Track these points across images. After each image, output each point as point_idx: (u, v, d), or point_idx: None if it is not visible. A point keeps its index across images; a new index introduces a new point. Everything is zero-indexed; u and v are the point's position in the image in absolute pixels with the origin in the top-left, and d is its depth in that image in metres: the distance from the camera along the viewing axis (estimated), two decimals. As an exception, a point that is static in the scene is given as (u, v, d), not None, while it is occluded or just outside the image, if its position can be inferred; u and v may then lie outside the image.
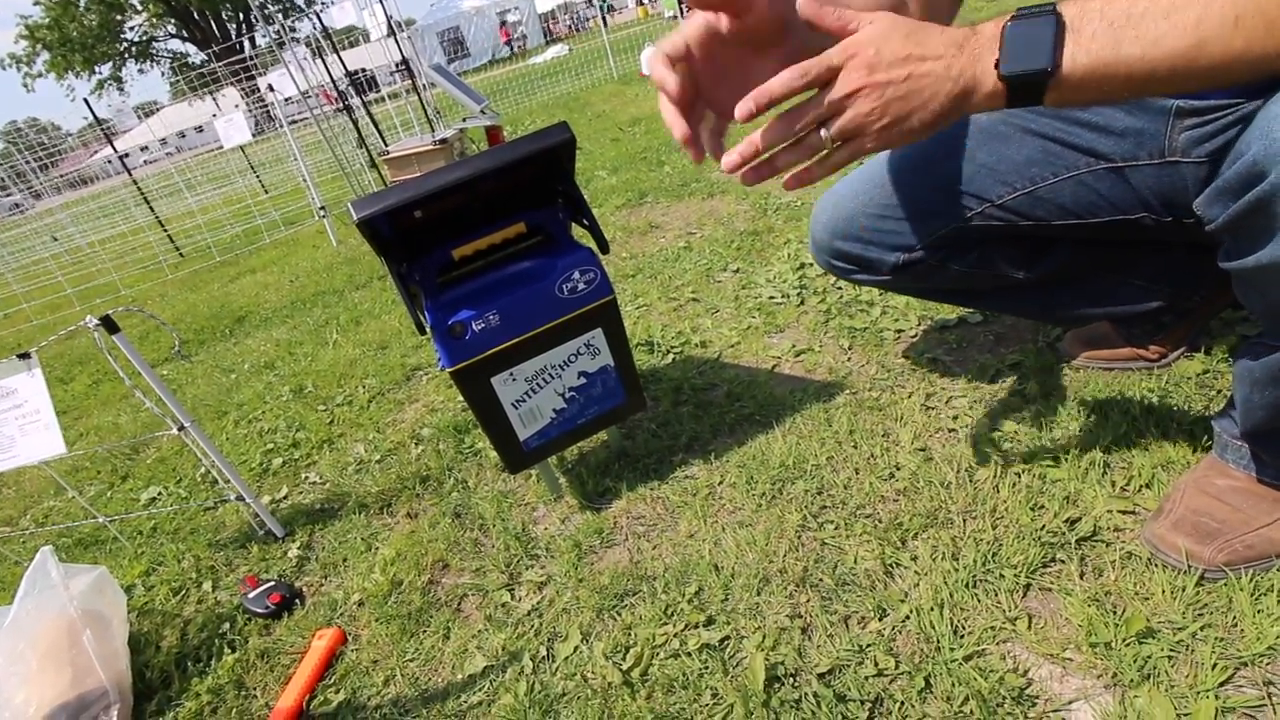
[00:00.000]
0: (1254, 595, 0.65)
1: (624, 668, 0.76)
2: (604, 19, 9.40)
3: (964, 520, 0.83)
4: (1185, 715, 0.58)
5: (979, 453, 0.93)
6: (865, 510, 0.89)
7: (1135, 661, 0.62)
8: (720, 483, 1.01)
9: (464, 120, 4.37)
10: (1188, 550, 0.69)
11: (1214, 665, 0.60)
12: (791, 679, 0.70)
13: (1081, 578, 0.72)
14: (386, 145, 4.26)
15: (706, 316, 1.54)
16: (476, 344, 0.87)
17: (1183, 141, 0.74)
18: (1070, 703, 0.62)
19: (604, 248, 0.92)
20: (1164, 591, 0.68)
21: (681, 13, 6.76)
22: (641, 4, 20.46)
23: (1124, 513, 0.78)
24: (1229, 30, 0.45)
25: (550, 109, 6.30)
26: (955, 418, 1.01)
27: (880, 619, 0.74)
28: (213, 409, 1.91)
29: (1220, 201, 0.52)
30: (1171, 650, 0.63)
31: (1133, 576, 0.71)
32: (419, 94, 4.44)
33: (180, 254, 4.87)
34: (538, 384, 0.93)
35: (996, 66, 0.49)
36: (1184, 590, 0.67)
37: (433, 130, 4.35)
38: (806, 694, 0.68)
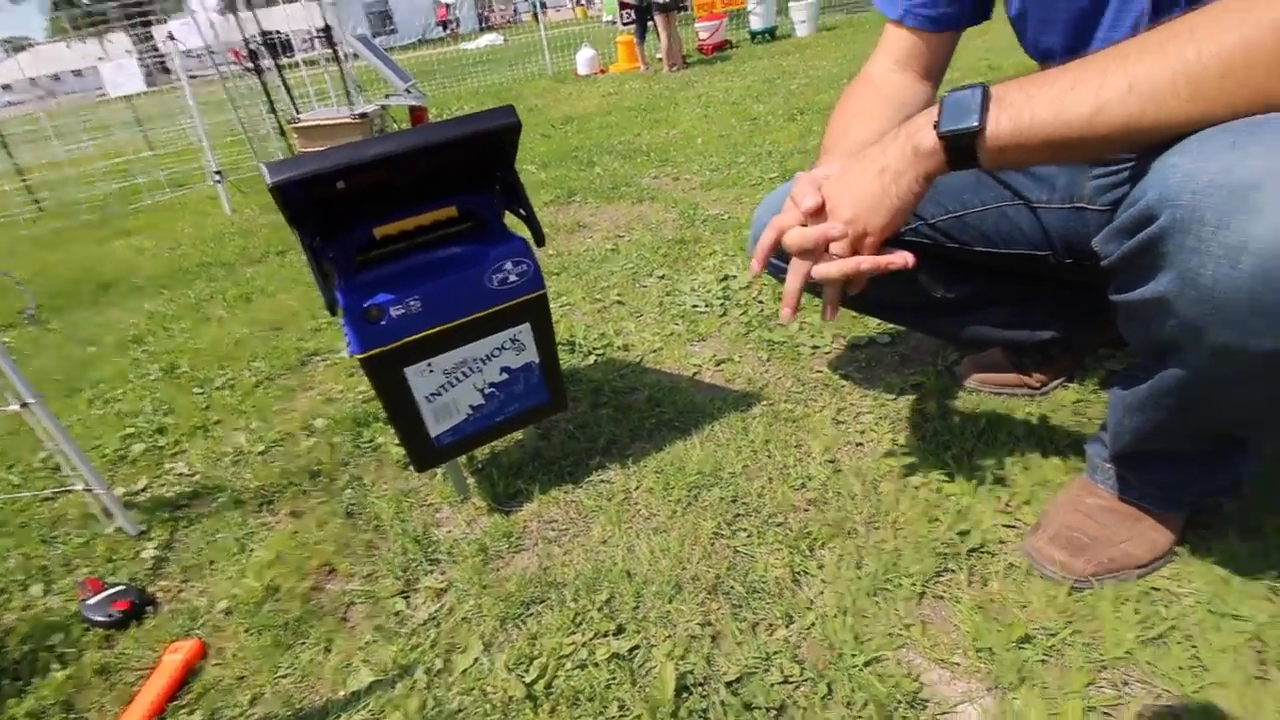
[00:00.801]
0: (1115, 604, 0.71)
1: (527, 680, 0.73)
2: (537, 14, 9.28)
3: (868, 531, 0.87)
4: (1055, 715, 0.63)
5: (883, 466, 0.97)
6: (777, 519, 0.91)
7: (1014, 665, 0.67)
8: (637, 488, 1.01)
9: (386, 97, 4.17)
10: (1061, 562, 0.76)
11: (1081, 668, 0.66)
12: (700, 688, 0.70)
13: (970, 586, 0.77)
14: (298, 113, 3.98)
15: (630, 320, 1.54)
16: (393, 330, 0.82)
17: (1090, 190, 0.83)
18: (957, 705, 0.66)
19: (540, 240, 0.90)
20: (1040, 600, 0.74)
21: (621, 18, 6.79)
22: (580, 4, 20.40)
23: (1007, 526, 0.84)
24: (1123, 97, 0.51)
25: (480, 97, 6.13)
26: (863, 432, 1.06)
27: (787, 626, 0.76)
28: (63, 385, 1.69)
29: (1116, 240, 0.57)
30: (1045, 655, 0.68)
31: (1014, 586, 0.76)
32: (339, 63, 4.19)
33: (40, 207, 4.32)
34: (457, 377, 0.89)
35: (936, 127, 0.58)
36: (1057, 599, 0.73)
37: (350, 103, 4.12)
38: (714, 703, 0.68)
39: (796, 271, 0.72)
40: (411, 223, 0.87)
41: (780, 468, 1.00)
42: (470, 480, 1.07)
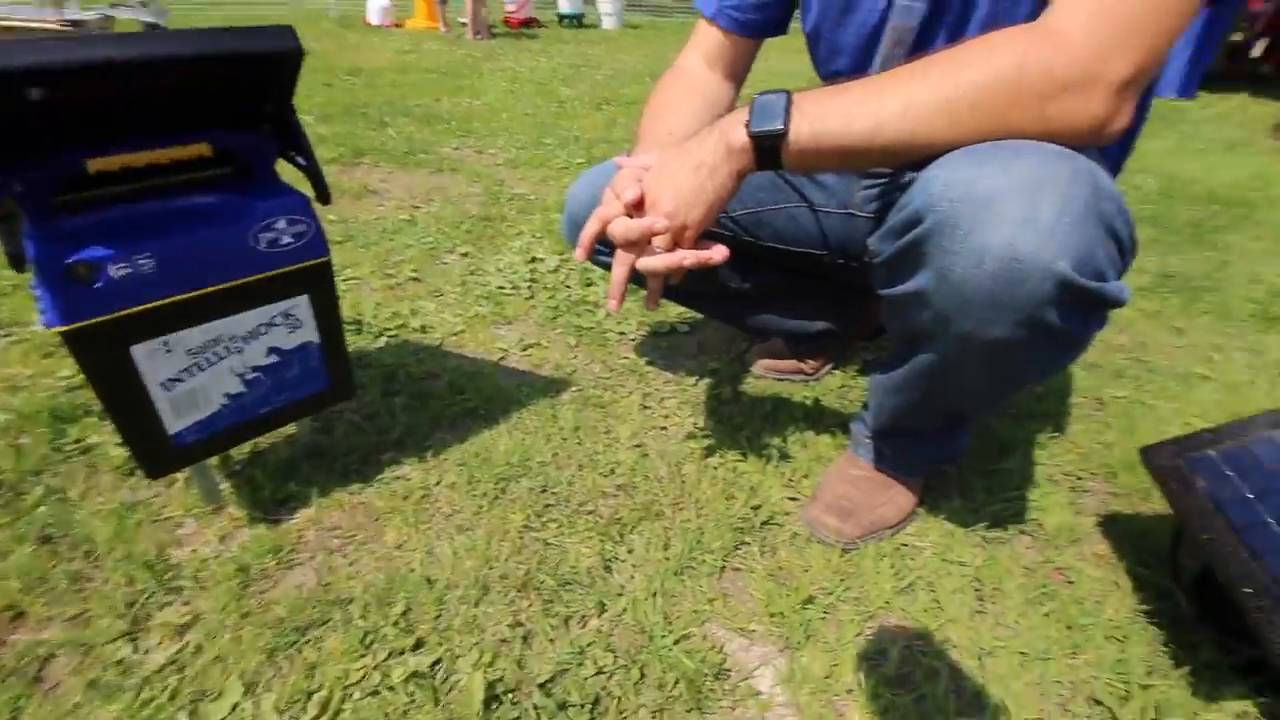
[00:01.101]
0: (876, 560, 0.82)
1: None
2: None
3: (674, 512, 0.89)
4: (836, 666, 0.70)
5: (685, 449, 1.01)
6: (588, 507, 0.90)
7: (801, 625, 0.74)
8: (437, 484, 0.92)
9: (111, 6, 3.33)
10: (834, 528, 0.85)
11: (852, 621, 0.75)
12: (511, 695, 0.66)
13: (762, 557, 0.84)
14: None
15: (429, 299, 1.41)
16: (112, 296, 0.63)
17: (859, 199, 0.93)
18: (755, 669, 0.70)
19: (324, 197, 0.76)
20: (820, 563, 0.82)
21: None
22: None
23: (791, 499, 0.93)
24: (899, 118, 0.58)
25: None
26: (667, 417, 1.09)
27: (600, 615, 0.75)
28: None
29: (888, 239, 0.64)
30: (824, 612, 0.76)
31: (798, 553, 0.84)
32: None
33: None
34: (207, 359, 0.72)
35: (747, 126, 0.62)
36: (832, 561, 0.83)
37: (60, 4, 3.22)
38: (527, 708, 0.64)
39: (622, 263, 0.70)
40: (144, 157, 0.68)
41: (589, 454, 0.99)
42: (224, 486, 0.89)
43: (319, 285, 0.78)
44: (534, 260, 1.61)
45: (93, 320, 0.63)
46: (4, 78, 0.52)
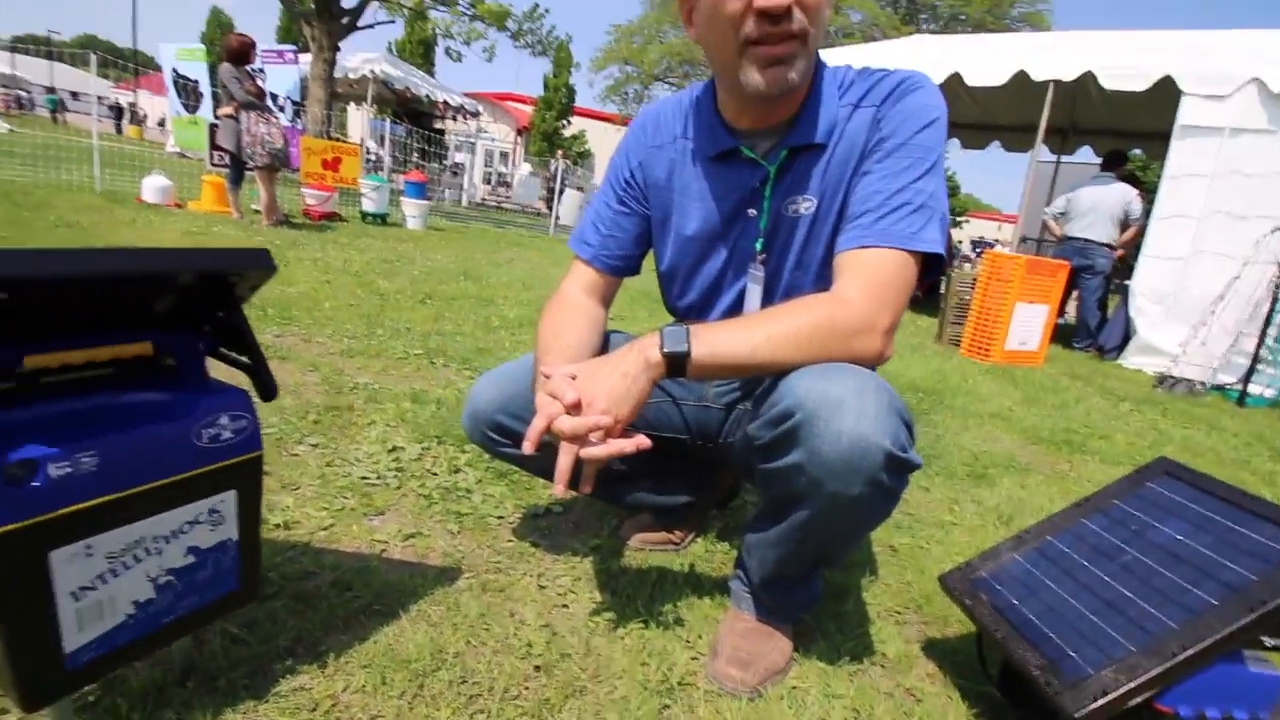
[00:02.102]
0: (777, 703, 0.94)
1: None
2: (55, 115, 7.63)
3: (595, 685, 0.93)
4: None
5: (591, 624, 1.07)
6: (512, 693, 0.90)
7: (736, 775, 0.81)
8: (345, 689, 0.85)
9: None
10: (738, 678, 0.97)
11: (776, 762, 0.84)
12: None
13: (686, 715, 0.91)
14: None
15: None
16: (44, 497, 0.58)
17: (712, 394, 1.19)
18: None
19: (270, 394, 0.78)
20: (733, 714, 0.92)
21: (213, 159, 6.16)
22: (136, 124, 17.51)
23: (693, 658, 1.03)
24: (765, 344, 0.85)
25: (-31, 193, 4.52)
26: (564, 594, 1.15)
27: (554, 801, 0.74)
28: None
29: (765, 428, 0.87)
30: (751, 759, 0.84)
31: (714, 707, 0.93)
32: None
33: None
34: (124, 563, 0.66)
35: (660, 349, 0.85)
36: (742, 709, 0.93)
37: None
38: None
39: (568, 453, 0.84)
40: (84, 355, 0.66)
41: (501, 639, 1.00)
42: (66, 728, 0.72)
43: (249, 480, 0.77)
44: (395, 449, 1.60)
45: (21, 523, 0.57)
46: None
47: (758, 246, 1.04)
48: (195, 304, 0.73)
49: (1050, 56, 5.28)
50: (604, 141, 24.14)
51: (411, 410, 1.85)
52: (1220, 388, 4.12)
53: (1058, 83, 5.19)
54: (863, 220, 0.92)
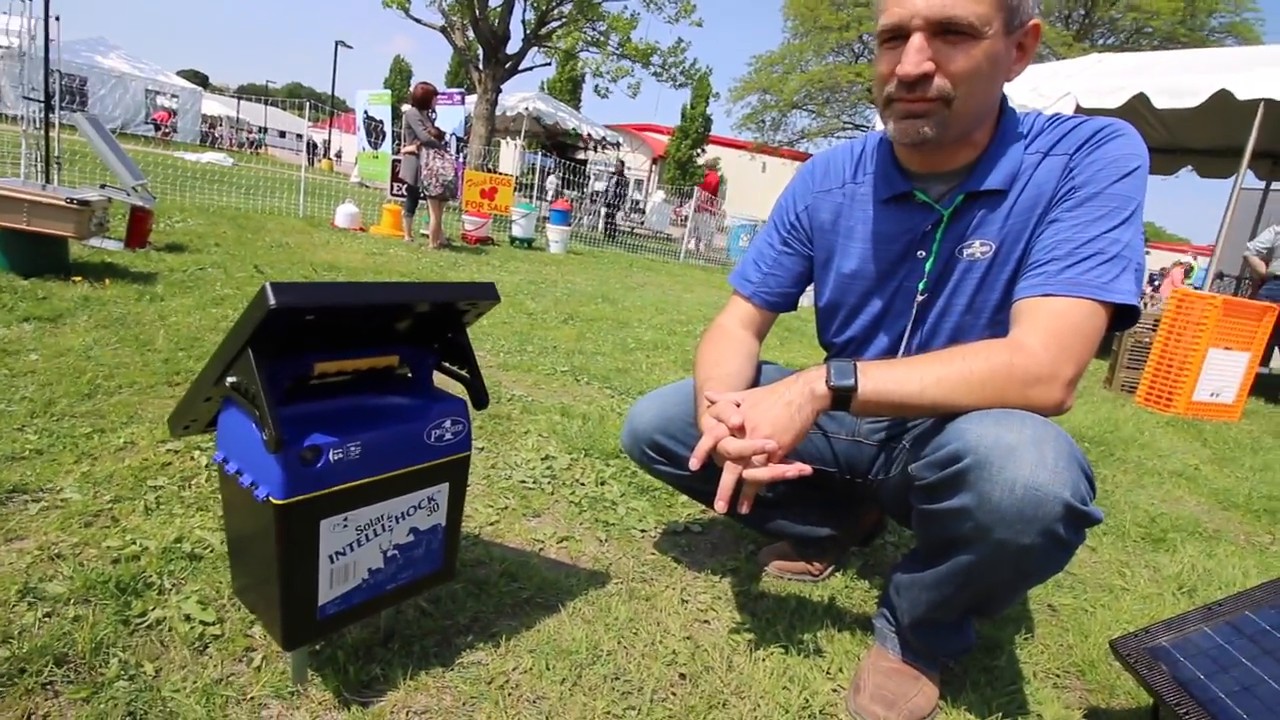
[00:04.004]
0: (924, 750, 0.93)
1: None
2: (256, 150, 8.98)
3: (738, 701, 0.97)
4: None
5: (732, 641, 1.11)
6: (660, 695, 0.96)
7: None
8: (515, 669, 0.96)
9: (103, 186, 3.53)
10: (882, 716, 0.96)
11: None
12: None
13: (825, 747, 0.92)
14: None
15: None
16: (326, 475, 0.74)
17: (864, 430, 1.19)
18: None
19: (483, 403, 0.92)
20: (877, 753, 0.92)
21: (393, 189, 6.98)
22: (327, 158, 20.26)
23: (834, 690, 1.03)
24: (935, 385, 0.85)
25: (213, 217, 5.48)
26: (704, 610, 1.20)
27: (702, 801, 0.79)
28: None
29: (930, 470, 0.87)
30: (895, 799, 0.84)
31: (855, 743, 0.93)
32: (46, 131, 3.47)
33: None
34: (368, 535, 0.81)
35: (827, 382, 0.86)
36: (886, 751, 0.92)
37: (47, 178, 3.37)
38: None
39: (732, 472, 0.89)
40: (352, 364, 0.83)
41: (648, 644, 1.07)
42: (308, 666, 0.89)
43: (459, 475, 0.91)
44: (548, 458, 1.75)
45: (307, 495, 0.73)
46: (328, 309, 0.69)
47: (920, 287, 1.05)
48: (430, 325, 0.89)
49: (1259, 73, 4.64)
50: (737, 167, 24.30)
51: (561, 423, 2.01)
52: None
53: (1269, 102, 4.54)
54: (1048, 268, 0.90)
